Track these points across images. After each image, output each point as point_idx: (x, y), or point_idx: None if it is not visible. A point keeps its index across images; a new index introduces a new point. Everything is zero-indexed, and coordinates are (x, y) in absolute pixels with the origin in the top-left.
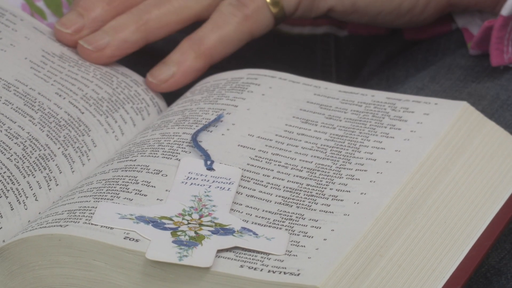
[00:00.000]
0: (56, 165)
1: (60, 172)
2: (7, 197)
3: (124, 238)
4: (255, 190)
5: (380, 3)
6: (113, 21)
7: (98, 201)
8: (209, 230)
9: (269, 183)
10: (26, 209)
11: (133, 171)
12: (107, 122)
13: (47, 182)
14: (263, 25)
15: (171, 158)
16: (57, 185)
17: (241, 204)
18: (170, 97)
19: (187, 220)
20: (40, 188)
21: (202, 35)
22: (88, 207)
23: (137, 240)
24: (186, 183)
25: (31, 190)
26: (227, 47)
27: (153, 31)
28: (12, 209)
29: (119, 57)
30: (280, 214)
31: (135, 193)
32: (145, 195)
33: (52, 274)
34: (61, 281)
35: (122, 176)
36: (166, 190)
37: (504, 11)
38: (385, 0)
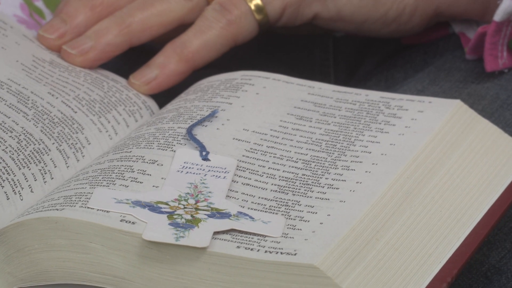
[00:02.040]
0: (51, 159)
1: (55, 167)
2: (3, 186)
3: (121, 221)
4: (250, 179)
5: (365, 11)
6: (96, 25)
7: (94, 188)
8: (205, 214)
9: (264, 173)
10: (21, 200)
11: (129, 161)
12: (100, 122)
13: (42, 175)
14: (247, 31)
15: (166, 150)
16: (52, 178)
17: (237, 192)
18: (163, 100)
19: (183, 205)
20: (35, 180)
21: (185, 40)
22: (84, 193)
23: (133, 223)
24: (182, 171)
25: (27, 181)
26: (210, 52)
27: (136, 34)
28: (8, 199)
29: (104, 61)
30: (276, 200)
31: (131, 180)
32: (141, 182)
33: (48, 257)
34: (58, 264)
35: (118, 165)
36: (162, 178)
37: (497, 17)
38: (370, 8)
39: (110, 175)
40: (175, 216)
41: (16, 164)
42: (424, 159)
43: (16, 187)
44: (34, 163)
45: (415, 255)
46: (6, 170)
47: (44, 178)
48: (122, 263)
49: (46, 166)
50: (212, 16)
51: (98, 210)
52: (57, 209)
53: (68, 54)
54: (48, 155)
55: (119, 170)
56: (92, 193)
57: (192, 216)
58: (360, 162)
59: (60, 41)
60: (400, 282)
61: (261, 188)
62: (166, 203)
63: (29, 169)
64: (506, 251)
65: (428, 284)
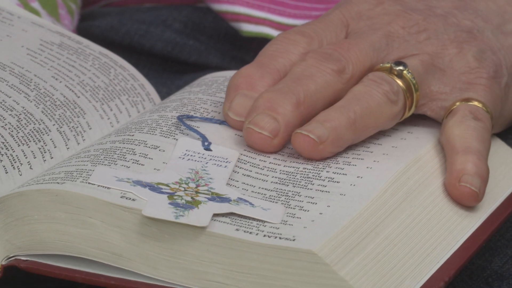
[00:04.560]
0: (51, 139)
1: (55, 147)
2: (1, 160)
3: (121, 197)
4: (251, 171)
5: None
6: (322, 115)
7: (96, 165)
8: (205, 197)
9: (265, 166)
10: (20, 175)
11: (131, 144)
12: (103, 109)
13: (41, 153)
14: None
15: (168, 137)
16: (52, 158)
17: (238, 181)
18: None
19: (184, 188)
20: (34, 158)
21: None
22: (86, 169)
23: (133, 199)
24: (184, 158)
25: (26, 158)
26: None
27: (358, 133)
28: (6, 173)
29: (332, 155)
30: (276, 191)
31: (133, 162)
32: (142, 165)
33: (47, 229)
34: (56, 236)
35: (120, 147)
36: (163, 163)
37: None
38: None
39: (112, 156)
40: (175, 197)
41: (15, 140)
42: (424, 164)
43: (15, 162)
44: (34, 141)
45: (413, 253)
46: (5, 145)
47: (43, 157)
48: (120, 240)
49: (45, 145)
50: (468, 116)
51: (98, 186)
52: (58, 183)
53: (308, 139)
54: (48, 135)
55: (121, 152)
56: (93, 170)
57: (192, 198)
58: (361, 159)
59: (276, 140)
60: (398, 276)
61: (262, 180)
62: (167, 185)
63: (29, 147)
64: (507, 257)
65: (425, 282)
